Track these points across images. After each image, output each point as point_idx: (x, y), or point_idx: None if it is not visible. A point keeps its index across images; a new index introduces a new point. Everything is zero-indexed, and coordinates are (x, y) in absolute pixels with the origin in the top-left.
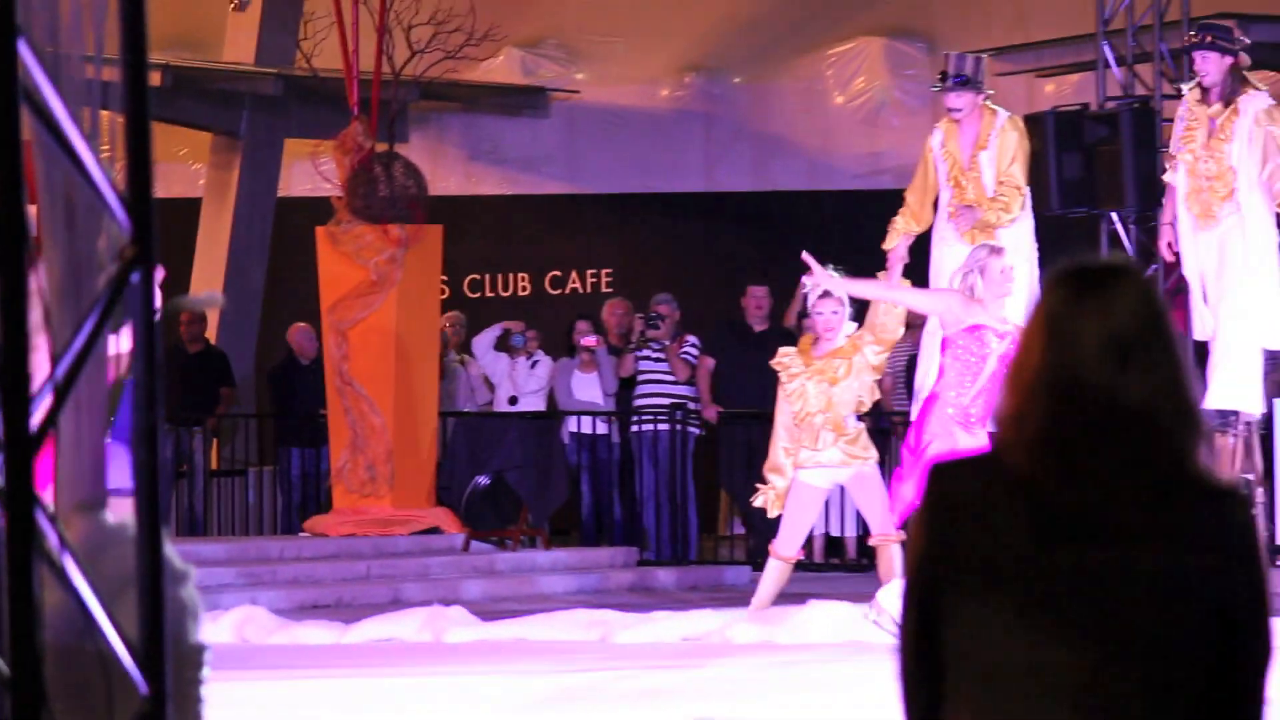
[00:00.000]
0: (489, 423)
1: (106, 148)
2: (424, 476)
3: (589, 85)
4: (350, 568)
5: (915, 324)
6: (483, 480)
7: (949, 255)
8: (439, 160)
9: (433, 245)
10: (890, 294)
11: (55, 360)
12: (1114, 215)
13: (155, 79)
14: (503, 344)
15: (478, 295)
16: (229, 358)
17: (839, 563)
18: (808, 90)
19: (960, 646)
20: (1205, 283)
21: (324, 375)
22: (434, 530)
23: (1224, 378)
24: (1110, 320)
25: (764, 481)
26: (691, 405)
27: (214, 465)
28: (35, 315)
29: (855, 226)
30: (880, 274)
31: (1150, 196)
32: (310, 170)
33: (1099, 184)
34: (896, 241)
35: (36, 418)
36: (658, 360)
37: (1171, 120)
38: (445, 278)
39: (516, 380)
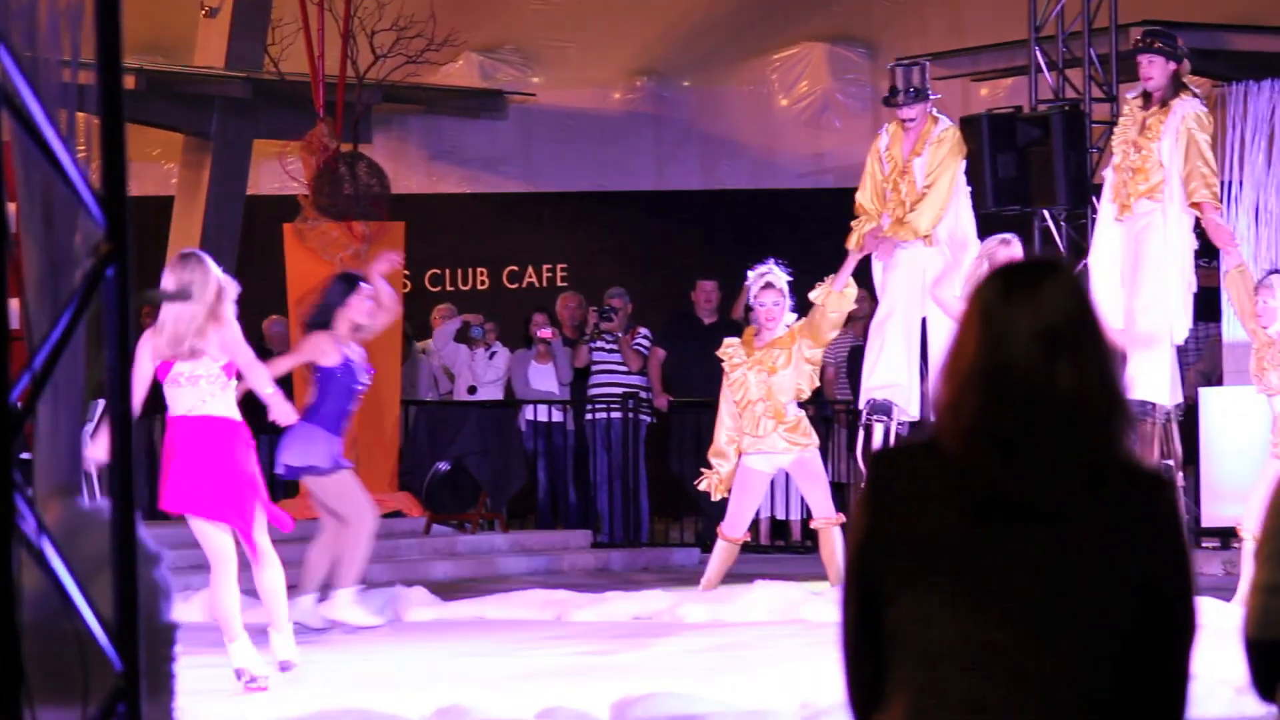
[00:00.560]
0: (449, 411)
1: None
2: (387, 462)
3: (544, 88)
4: None
5: (860, 316)
6: (443, 466)
7: (895, 252)
8: (401, 160)
9: (395, 241)
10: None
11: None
12: (1046, 213)
13: (129, 82)
14: (462, 336)
15: (438, 289)
16: None
17: (784, 545)
18: (753, 93)
19: (900, 625)
20: (1122, 274)
21: None
22: (397, 514)
23: (1136, 369)
24: (1041, 313)
25: (709, 466)
26: (643, 394)
27: None
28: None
29: (799, 224)
30: (828, 277)
31: (1080, 195)
32: (278, 169)
33: (1031, 183)
34: (855, 244)
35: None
36: (611, 351)
37: (1100, 123)
38: (407, 272)
39: (475, 370)
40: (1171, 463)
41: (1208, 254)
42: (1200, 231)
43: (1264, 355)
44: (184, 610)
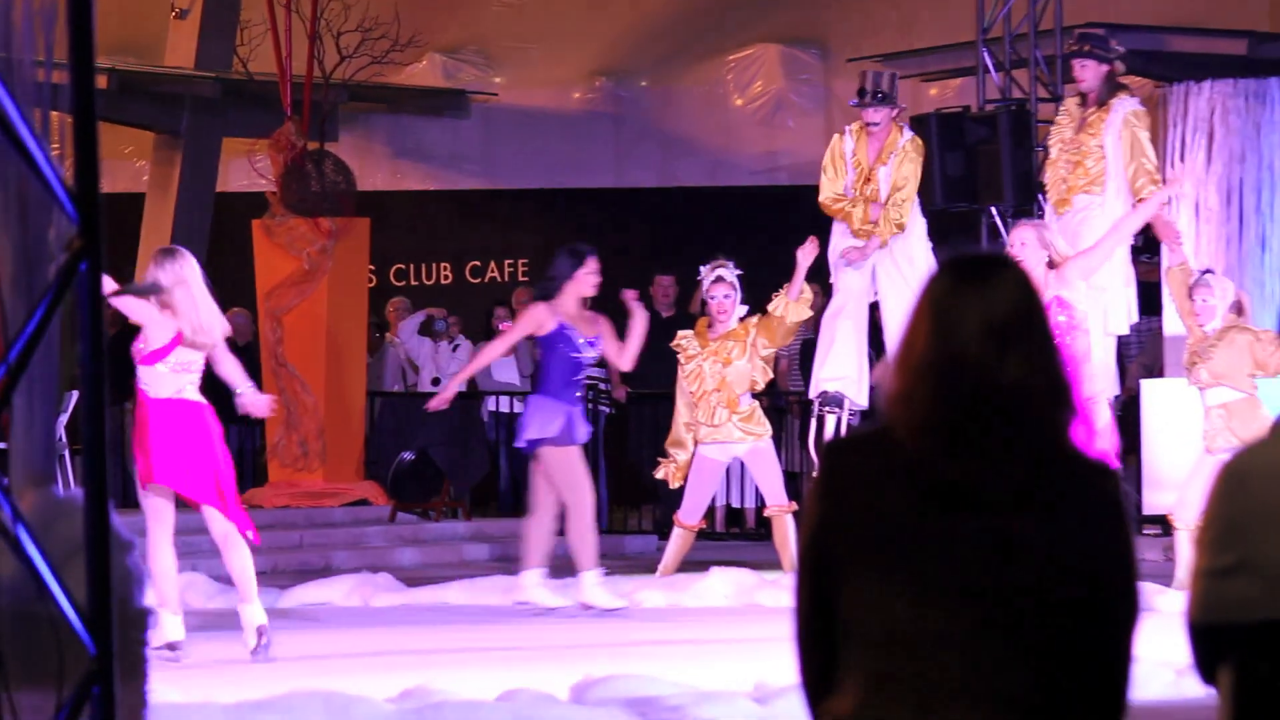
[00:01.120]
0: (414, 402)
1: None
2: (353, 452)
3: (506, 88)
4: (285, 537)
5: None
6: (408, 455)
7: (843, 244)
8: (366, 158)
9: (361, 237)
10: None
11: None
12: (993, 209)
13: (101, 82)
14: (426, 329)
15: (403, 284)
16: None
17: (739, 532)
18: (709, 93)
19: (852, 610)
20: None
21: (258, 356)
22: (363, 502)
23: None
24: (990, 307)
25: (667, 456)
26: (602, 386)
27: None
28: None
29: (753, 219)
30: (784, 287)
31: (1026, 192)
32: (246, 167)
33: (979, 181)
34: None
35: None
36: None
37: (1046, 122)
38: (373, 267)
39: (439, 362)
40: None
41: (1150, 249)
42: (1143, 227)
43: (1197, 350)
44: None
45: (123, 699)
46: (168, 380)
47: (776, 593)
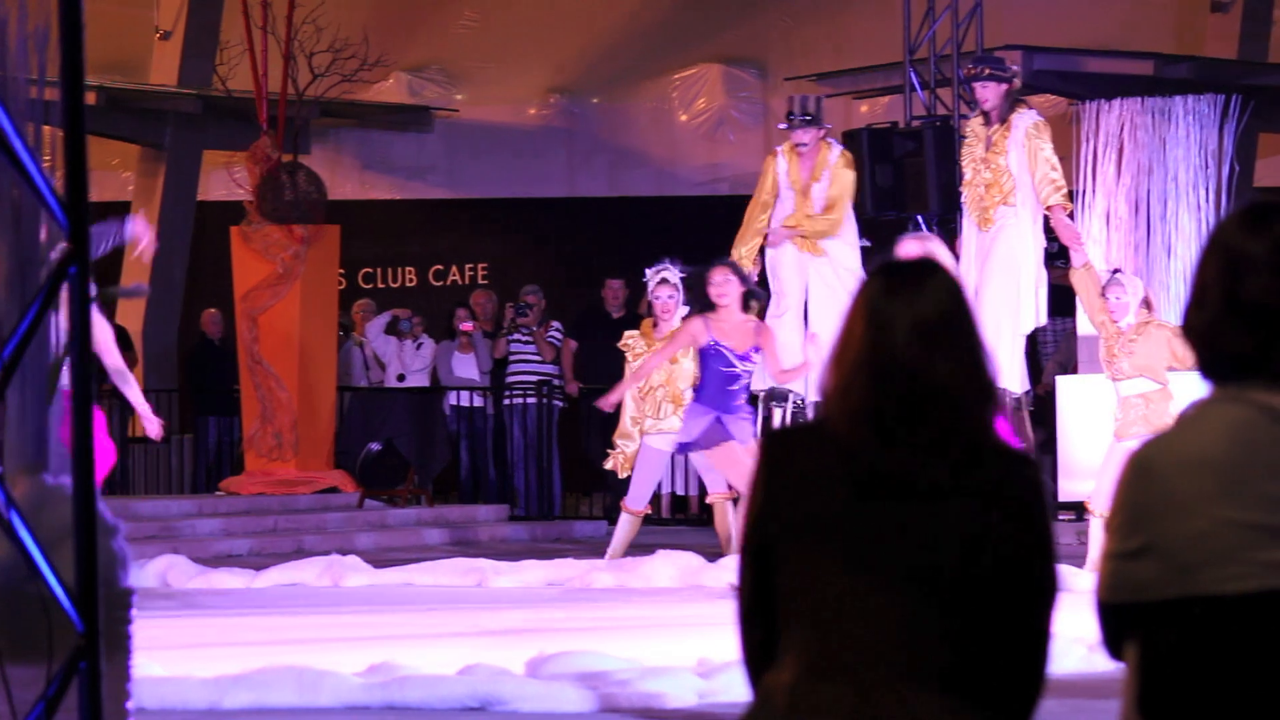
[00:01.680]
0: (380, 396)
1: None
2: (324, 443)
3: (467, 105)
4: (260, 522)
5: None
6: (375, 446)
7: (788, 257)
8: (336, 169)
9: (331, 243)
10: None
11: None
12: (919, 218)
13: (90, 98)
14: (392, 328)
15: (370, 286)
16: (143, 336)
17: (683, 517)
18: (656, 109)
19: (791, 592)
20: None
21: (233, 354)
22: (333, 489)
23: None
24: (919, 309)
25: (615, 447)
26: (556, 382)
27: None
28: None
29: (697, 227)
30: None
31: (950, 202)
32: (225, 178)
33: (906, 191)
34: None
35: None
36: (527, 343)
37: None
38: (342, 271)
39: (404, 359)
40: (1025, 445)
41: (1064, 255)
42: (1051, 232)
43: (1113, 344)
44: (139, 577)
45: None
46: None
47: (719, 574)
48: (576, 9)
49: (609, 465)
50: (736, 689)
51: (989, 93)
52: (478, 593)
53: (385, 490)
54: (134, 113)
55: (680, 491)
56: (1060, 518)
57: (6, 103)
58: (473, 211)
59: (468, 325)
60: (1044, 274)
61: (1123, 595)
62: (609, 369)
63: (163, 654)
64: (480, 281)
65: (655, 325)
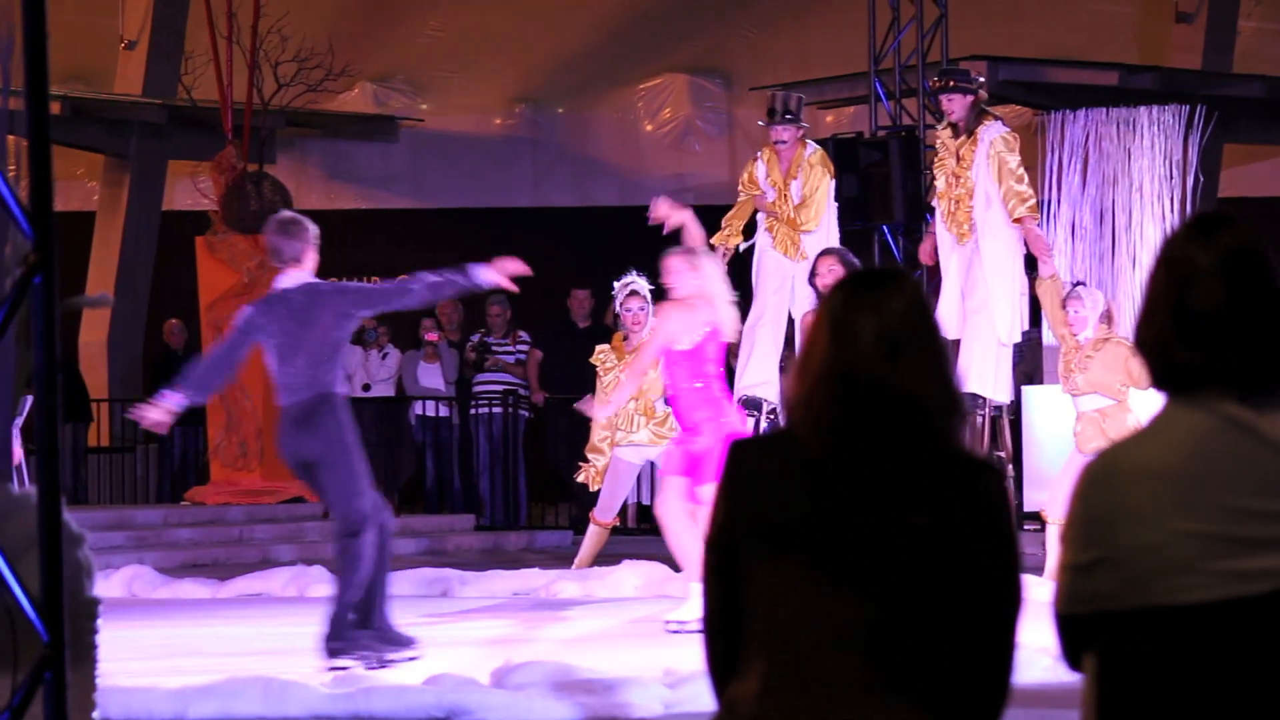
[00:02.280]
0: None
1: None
2: None
3: (432, 115)
4: (225, 532)
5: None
6: None
7: (769, 262)
8: (302, 179)
9: None
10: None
11: None
12: (885, 228)
13: (55, 108)
14: (357, 338)
15: None
16: (108, 346)
17: (649, 527)
18: (621, 119)
19: (756, 600)
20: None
21: None
22: (298, 499)
23: (968, 366)
24: (883, 319)
25: (585, 460)
26: (522, 391)
27: (101, 442)
28: None
29: (663, 238)
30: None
31: (916, 212)
32: (190, 187)
33: (872, 202)
34: (724, 239)
35: None
36: (494, 352)
37: (934, 147)
38: None
39: (369, 369)
40: (1003, 454)
41: (1029, 266)
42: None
43: (1071, 359)
44: (105, 586)
45: (73, 683)
46: None
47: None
48: (541, 19)
49: (580, 478)
50: (703, 699)
51: (955, 105)
52: (444, 603)
53: None
54: (99, 122)
55: (647, 502)
56: (1025, 528)
57: None
58: (438, 221)
59: (433, 335)
60: (1025, 284)
61: (1080, 607)
62: (575, 378)
63: (128, 664)
64: None
65: (625, 338)
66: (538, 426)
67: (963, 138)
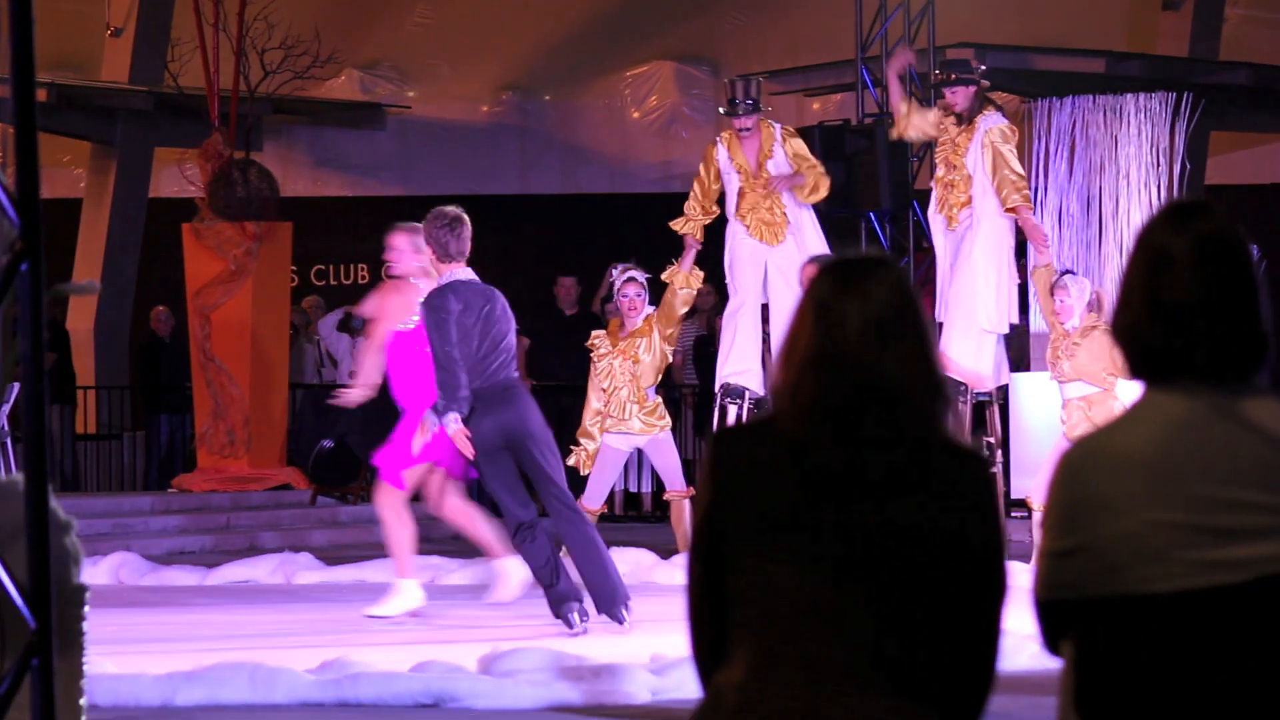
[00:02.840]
0: (332, 393)
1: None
2: (276, 440)
3: (419, 102)
4: (212, 519)
5: (704, 309)
6: (327, 443)
7: (743, 250)
8: (289, 166)
9: (284, 240)
10: None
11: None
12: (872, 215)
13: (41, 95)
14: (344, 325)
15: (323, 283)
16: (95, 333)
17: (636, 515)
18: (608, 107)
19: (742, 589)
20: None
21: (183, 350)
22: (285, 486)
23: (955, 354)
24: (869, 305)
25: (576, 444)
26: None
27: (88, 429)
28: None
29: (649, 225)
30: (675, 260)
31: (902, 199)
32: (177, 175)
33: (859, 189)
34: (689, 230)
35: None
36: None
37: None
38: (295, 268)
39: (356, 357)
40: (992, 440)
41: (1019, 253)
42: (1018, 231)
43: (1058, 346)
44: (92, 573)
45: (61, 670)
46: None
47: (671, 571)
48: (529, 7)
49: (571, 461)
50: (690, 685)
51: (958, 97)
52: (431, 589)
53: (338, 487)
54: (85, 109)
55: (633, 489)
56: (1013, 515)
57: None
58: (425, 209)
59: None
60: (1014, 272)
61: (1057, 593)
62: (563, 366)
63: (116, 651)
64: None
65: (621, 326)
66: None
67: (962, 126)
